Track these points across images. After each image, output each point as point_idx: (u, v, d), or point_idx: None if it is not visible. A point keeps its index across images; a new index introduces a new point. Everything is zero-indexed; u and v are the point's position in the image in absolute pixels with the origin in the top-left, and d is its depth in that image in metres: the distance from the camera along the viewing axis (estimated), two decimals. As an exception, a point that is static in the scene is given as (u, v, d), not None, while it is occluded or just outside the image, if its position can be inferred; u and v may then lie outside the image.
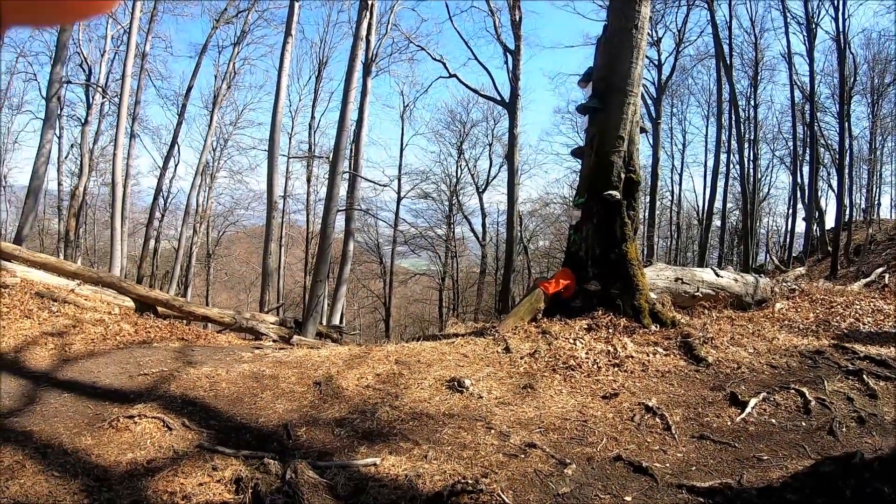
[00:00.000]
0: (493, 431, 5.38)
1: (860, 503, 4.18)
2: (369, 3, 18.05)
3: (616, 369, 6.99)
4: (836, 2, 30.51)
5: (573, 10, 75.67)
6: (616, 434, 5.42)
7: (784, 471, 4.72)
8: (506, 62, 26.00)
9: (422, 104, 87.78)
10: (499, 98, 26.21)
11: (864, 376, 6.58)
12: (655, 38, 33.38)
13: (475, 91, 28.65)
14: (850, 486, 4.35)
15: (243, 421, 5.63)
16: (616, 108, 8.93)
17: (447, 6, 29.60)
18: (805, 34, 32.04)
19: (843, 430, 5.50)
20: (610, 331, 7.94)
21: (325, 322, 20.09)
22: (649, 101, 32.94)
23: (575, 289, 8.73)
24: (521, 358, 7.32)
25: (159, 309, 11.42)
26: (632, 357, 7.24)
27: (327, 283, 21.33)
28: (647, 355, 7.31)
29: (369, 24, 21.00)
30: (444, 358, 7.35)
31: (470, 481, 4.26)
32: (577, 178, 10.52)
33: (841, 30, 30.58)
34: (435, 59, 27.03)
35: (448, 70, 26.67)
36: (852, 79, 35.50)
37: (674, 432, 5.43)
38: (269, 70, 39.39)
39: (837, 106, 33.74)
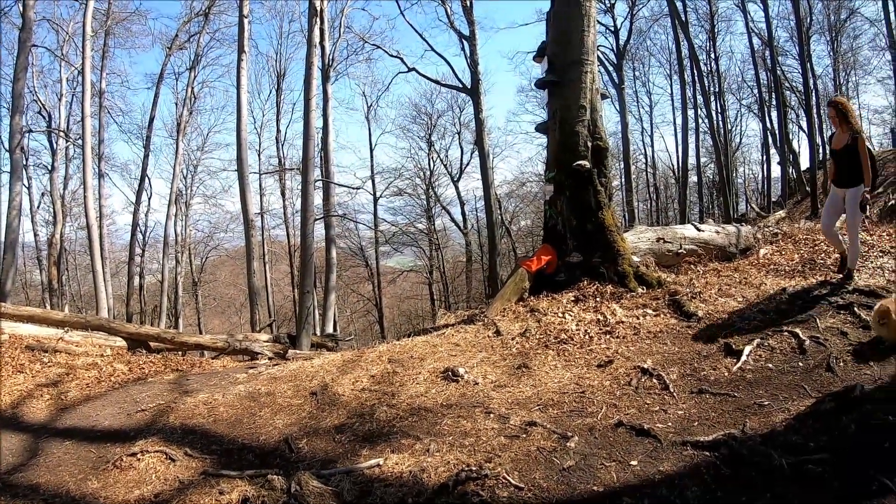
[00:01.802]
0: (492, 416, 5.37)
1: (865, 434, 4.19)
2: (318, 8, 17.90)
3: (608, 336, 7.01)
4: None
5: None
6: (615, 401, 5.43)
7: (786, 413, 4.74)
8: (462, 49, 25.95)
9: (385, 102, 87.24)
10: (460, 85, 26.14)
11: (856, 309, 6.60)
12: (609, 5, 33.41)
13: (436, 82, 28.54)
14: (853, 419, 4.36)
15: (244, 441, 5.59)
16: (574, 78, 8.94)
17: (397, 1, 29.40)
18: None
19: (841, 364, 5.52)
20: (597, 299, 7.96)
21: (318, 332, 20.05)
22: (610, 68, 33.04)
23: (557, 263, 8.76)
24: (513, 339, 7.32)
25: (152, 344, 11.31)
26: (622, 322, 7.26)
27: (315, 293, 21.26)
28: (638, 318, 7.33)
29: (321, 30, 20.92)
30: (436, 350, 7.34)
31: (474, 468, 4.27)
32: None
33: None
34: (392, 56, 26.79)
35: (406, 65, 26.52)
36: (809, 19, 35.60)
37: (672, 391, 5.45)
38: (228, 90, 39.06)
39: (797, 48, 33.81)
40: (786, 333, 6.23)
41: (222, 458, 5.27)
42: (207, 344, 12.09)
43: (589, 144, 8.82)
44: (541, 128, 9.76)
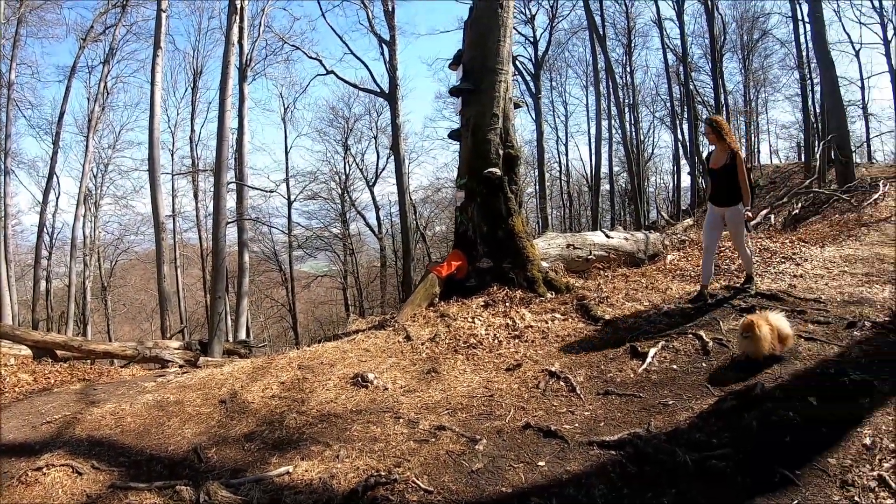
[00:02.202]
0: (401, 420, 5.37)
1: (767, 431, 4.35)
2: (238, 6, 17.56)
3: (517, 341, 7.10)
4: None
5: None
6: (523, 403, 5.50)
7: (690, 412, 4.90)
8: (382, 53, 25.99)
9: (303, 104, 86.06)
10: (378, 90, 26.11)
11: (758, 311, 6.80)
12: (529, 16, 34.23)
13: (354, 85, 28.35)
14: (755, 416, 4.55)
15: (153, 452, 5.44)
16: (488, 87, 9.04)
17: (319, 3, 29.20)
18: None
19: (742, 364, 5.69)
20: (507, 304, 8.06)
21: (231, 339, 19.62)
22: (528, 78, 33.61)
23: (468, 269, 8.81)
24: (423, 344, 7.34)
25: (58, 352, 10.92)
26: (531, 327, 7.37)
27: (227, 298, 20.82)
28: (546, 323, 7.45)
29: (241, 28, 20.48)
30: (346, 356, 7.28)
31: (383, 473, 4.27)
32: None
33: None
34: (311, 58, 26.58)
35: (325, 67, 26.31)
36: (722, 37, 37.42)
37: (579, 393, 5.55)
38: (143, 86, 37.74)
39: (710, 64, 35.45)
40: (690, 335, 6.45)
41: (131, 469, 5.11)
42: (116, 352, 11.75)
43: (501, 152, 8.94)
44: (454, 135, 9.82)
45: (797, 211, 19.79)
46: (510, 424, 5.08)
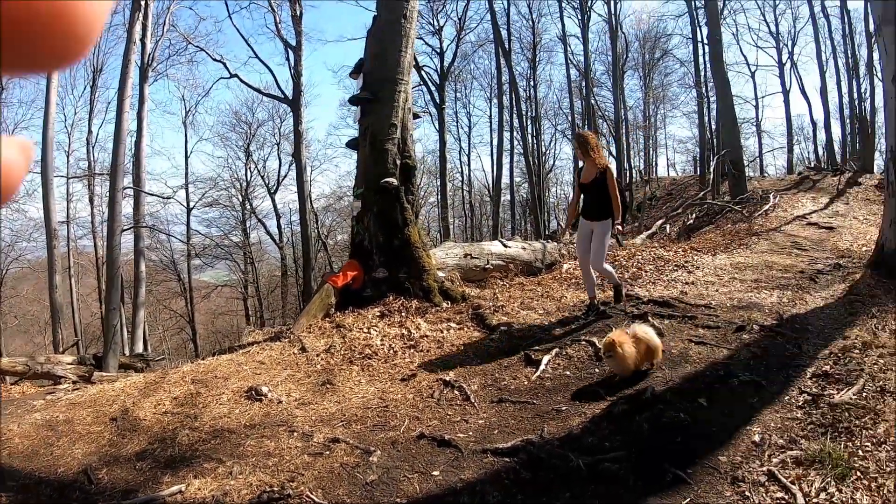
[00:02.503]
0: (296, 434, 5.32)
1: (658, 432, 4.51)
2: (142, 2, 17.06)
3: (412, 350, 7.14)
4: None
5: (356, 2, 75.38)
6: (417, 413, 5.53)
7: (583, 417, 5.02)
8: (287, 59, 25.54)
9: (205, 108, 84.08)
10: (282, 96, 25.65)
11: (650, 318, 7.14)
12: (437, 27, 34.45)
13: (258, 90, 27.87)
14: (646, 419, 4.70)
15: (42, 475, 5.21)
16: (388, 96, 9.06)
17: (226, 4, 28.44)
18: (580, 17, 34.77)
19: None
20: (403, 314, 8.08)
21: (127, 352, 18.97)
22: (433, 88, 33.75)
23: (364, 279, 8.80)
24: (318, 355, 7.28)
25: (-59, 374, 10.40)
26: (426, 336, 7.42)
27: (123, 309, 20.16)
28: (442, 332, 7.51)
29: (144, 26, 19.69)
30: (240, 369, 7.15)
31: (277, 488, 4.25)
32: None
33: (613, 12, 34.56)
34: (215, 60, 26.07)
35: (229, 70, 25.82)
36: (625, 55, 39.13)
37: (473, 401, 5.61)
38: (39, 82, 35.96)
39: (612, 80, 36.72)
40: (583, 342, 6.61)
41: (19, 494, 4.88)
42: (6, 368, 11.22)
43: (398, 162, 8.97)
44: (351, 144, 9.80)
45: (691, 221, 20.60)
46: (405, 435, 5.10)
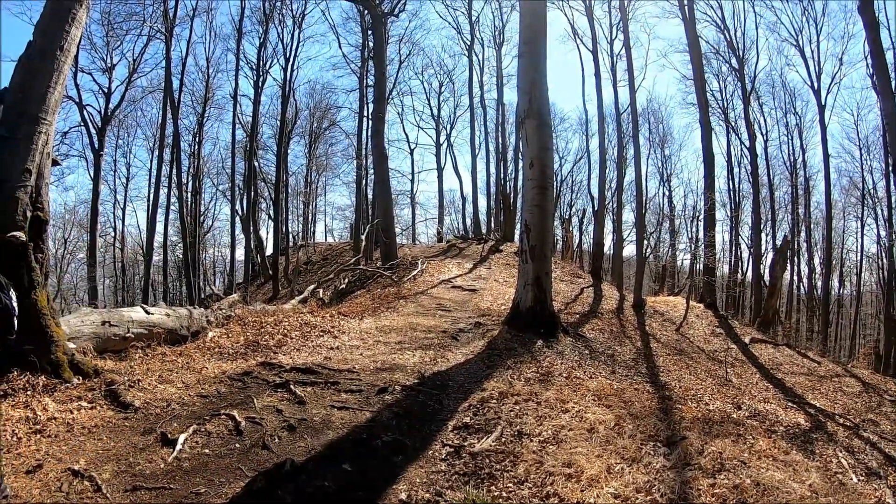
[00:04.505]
0: None
1: None
2: None
3: (39, 436, 6.17)
4: (287, 54, 36.36)
5: (29, 20, 67.82)
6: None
7: (223, 498, 4.78)
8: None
9: None
10: None
11: (292, 386, 7.14)
12: (109, 65, 33.04)
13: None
14: (289, 491, 4.62)
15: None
16: (25, 136, 7.95)
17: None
18: (255, 78, 35.25)
19: (276, 441, 5.80)
20: (28, 393, 6.98)
21: None
22: (93, 131, 31.92)
23: (-17, 351, 7.54)
24: (-77, 448, 6.01)
25: None
26: (54, 418, 6.50)
27: None
28: (72, 413, 6.66)
29: None
30: None
31: None
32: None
33: (288, 79, 35.70)
34: None
35: None
36: (293, 122, 40.49)
37: (105, 491, 5.03)
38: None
39: (276, 145, 37.65)
40: (223, 416, 6.34)
41: None
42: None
43: (29, 214, 7.88)
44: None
45: (343, 286, 21.31)
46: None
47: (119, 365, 8.33)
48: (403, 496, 4.55)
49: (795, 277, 39.40)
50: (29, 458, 5.74)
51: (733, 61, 36.09)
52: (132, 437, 6.13)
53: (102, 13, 31.73)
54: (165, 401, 6.97)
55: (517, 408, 6.69)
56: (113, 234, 43.37)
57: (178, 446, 5.72)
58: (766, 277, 29.23)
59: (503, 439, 5.76)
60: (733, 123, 39.12)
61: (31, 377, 7.28)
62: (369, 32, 33.44)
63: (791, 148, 39.78)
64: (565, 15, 35.19)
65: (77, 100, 30.99)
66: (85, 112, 31.22)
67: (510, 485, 4.88)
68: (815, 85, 34.37)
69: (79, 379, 7.51)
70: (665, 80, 64.13)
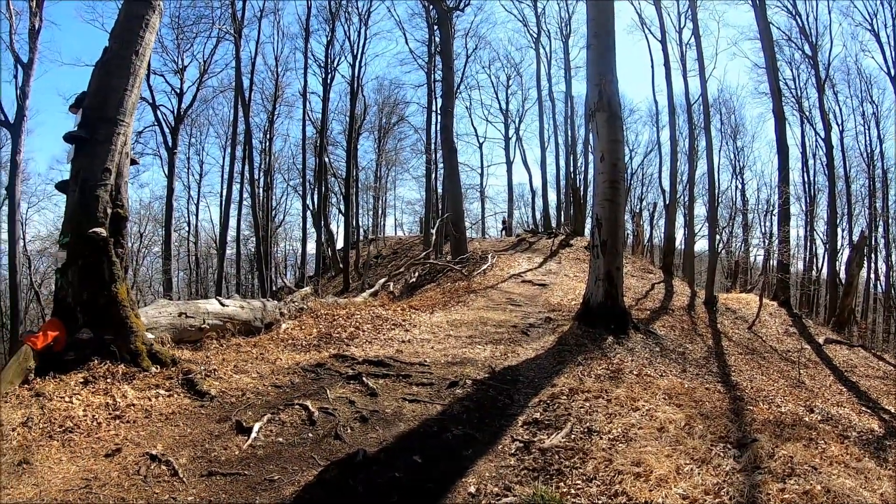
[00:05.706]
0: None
1: (373, 495, 4.49)
2: None
3: (118, 422, 6.48)
4: (354, 51, 36.35)
5: (101, 25, 70.11)
6: (123, 493, 5.02)
7: (296, 486, 4.88)
8: (16, 76, 22.96)
9: None
10: (2, 118, 22.64)
11: (364, 378, 7.28)
12: (181, 66, 33.74)
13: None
14: (361, 481, 4.70)
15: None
16: (105, 138, 8.33)
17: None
18: (323, 75, 35.75)
19: (349, 431, 5.94)
20: (108, 381, 7.32)
21: None
22: (167, 130, 32.74)
23: (66, 340, 7.86)
24: (14, 430, 6.25)
25: None
26: (133, 405, 6.81)
27: None
28: (150, 400, 6.97)
29: None
30: None
31: None
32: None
33: (356, 75, 36.00)
34: None
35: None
36: (363, 118, 40.92)
37: (182, 476, 5.24)
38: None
39: (346, 141, 37.93)
40: (297, 406, 6.49)
41: None
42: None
43: (109, 211, 8.23)
44: (60, 186, 8.80)
45: (414, 279, 21.40)
46: (108, 523, 4.54)
47: (195, 355, 8.63)
48: (472, 489, 4.60)
49: (872, 275, 37.50)
50: (108, 443, 6.05)
51: (806, 48, 34.45)
52: (208, 425, 6.35)
53: (172, 17, 32.56)
54: (240, 390, 7.20)
55: (587, 405, 6.67)
56: (187, 228, 44.70)
57: (253, 434, 5.89)
58: (842, 275, 28.03)
59: (573, 436, 5.76)
60: (807, 113, 37.33)
61: (111, 365, 7.61)
62: (435, 27, 33.50)
63: (868, 138, 37.84)
64: (632, 4, 34.35)
65: (150, 100, 31.76)
66: (158, 112, 32.09)
67: (578, 482, 4.89)
68: (892, 71, 32.57)
69: (157, 368, 7.82)
70: (736, 69, 62.32)
